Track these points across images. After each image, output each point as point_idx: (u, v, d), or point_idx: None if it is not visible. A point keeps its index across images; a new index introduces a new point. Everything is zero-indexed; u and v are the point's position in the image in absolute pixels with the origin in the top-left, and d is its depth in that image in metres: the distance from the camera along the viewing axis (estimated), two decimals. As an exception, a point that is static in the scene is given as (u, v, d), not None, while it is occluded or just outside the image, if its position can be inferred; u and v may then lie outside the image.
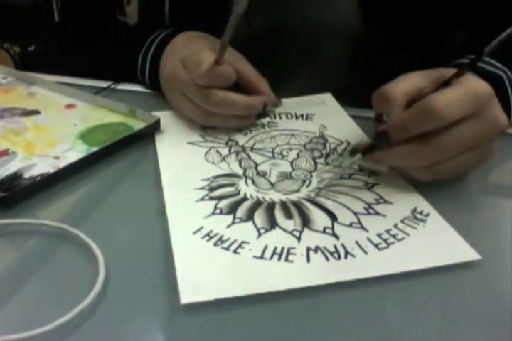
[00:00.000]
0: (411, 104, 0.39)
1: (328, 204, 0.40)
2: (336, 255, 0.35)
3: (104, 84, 0.59)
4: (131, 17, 0.61)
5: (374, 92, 0.41)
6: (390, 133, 0.38)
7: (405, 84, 0.40)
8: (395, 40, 0.58)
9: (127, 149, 0.48)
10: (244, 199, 0.41)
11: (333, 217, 0.39)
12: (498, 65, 0.47)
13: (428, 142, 0.37)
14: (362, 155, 0.41)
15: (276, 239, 0.37)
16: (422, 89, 0.40)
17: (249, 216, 0.39)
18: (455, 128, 0.37)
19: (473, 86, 0.37)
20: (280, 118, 0.53)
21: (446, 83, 0.38)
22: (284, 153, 0.47)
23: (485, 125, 0.38)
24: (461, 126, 0.37)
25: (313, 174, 0.44)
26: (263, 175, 0.44)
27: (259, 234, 0.37)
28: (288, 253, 0.35)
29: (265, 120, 0.52)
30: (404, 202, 0.40)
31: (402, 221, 0.38)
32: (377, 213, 0.39)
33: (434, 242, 0.36)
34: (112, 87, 0.59)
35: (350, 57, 0.63)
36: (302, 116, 0.53)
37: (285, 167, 0.45)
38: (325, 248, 0.36)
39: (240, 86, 0.49)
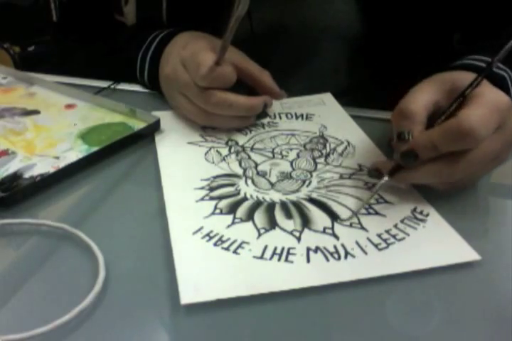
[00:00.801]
0: (430, 120, 0.39)
1: (328, 204, 0.40)
2: (335, 255, 0.35)
3: (104, 84, 0.59)
4: (128, 17, 0.61)
5: (393, 111, 0.40)
6: (417, 152, 0.37)
7: (422, 100, 0.39)
8: (394, 40, 0.58)
9: (127, 149, 0.48)
10: (245, 199, 0.41)
11: (333, 217, 0.39)
12: (500, 65, 0.47)
13: (457, 160, 0.37)
14: (389, 177, 0.39)
15: (276, 239, 0.36)
16: (438, 102, 0.39)
17: (249, 216, 0.39)
18: (483, 144, 0.37)
19: (495, 100, 0.37)
20: (280, 118, 0.53)
21: (462, 95, 0.38)
22: (284, 153, 0.47)
23: (508, 136, 0.38)
24: (487, 141, 0.37)
25: (313, 174, 0.44)
26: (263, 175, 0.44)
27: (259, 234, 0.37)
28: (288, 253, 0.35)
29: (265, 120, 0.52)
30: (404, 202, 0.40)
31: (402, 221, 0.38)
32: (377, 213, 0.39)
33: (434, 242, 0.36)
34: (112, 87, 0.59)
35: (350, 58, 0.63)
36: (302, 116, 0.53)
37: (285, 167, 0.45)
38: (325, 248, 0.36)
39: (242, 81, 0.49)
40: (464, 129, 0.35)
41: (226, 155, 0.47)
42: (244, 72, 0.49)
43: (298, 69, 0.63)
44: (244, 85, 0.50)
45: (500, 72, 0.47)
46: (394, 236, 0.37)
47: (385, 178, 0.39)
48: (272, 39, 0.61)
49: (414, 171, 0.38)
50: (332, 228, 0.38)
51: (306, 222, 0.38)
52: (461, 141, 0.36)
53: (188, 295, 0.32)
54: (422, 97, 0.39)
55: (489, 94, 0.38)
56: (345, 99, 0.56)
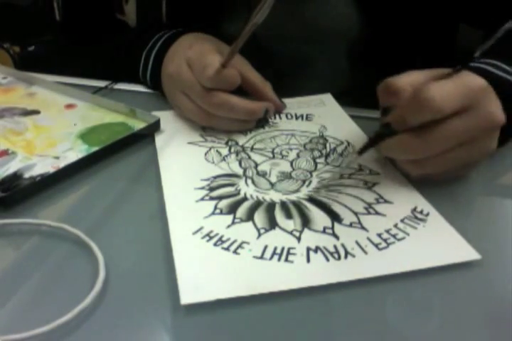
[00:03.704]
0: None
1: (328, 204, 0.40)
2: (336, 255, 0.35)
3: (104, 84, 0.59)
4: (130, 15, 0.61)
5: (379, 85, 0.40)
6: (392, 125, 0.38)
7: (410, 78, 0.39)
8: (394, 41, 0.58)
9: (127, 149, 0.48)
10: (245, 199, 0.41)
11: (333, 217, 0.39)
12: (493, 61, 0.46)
13: (419, 135, 0.37)
14: (361, 150, 0.40)
15: (276, 239, 0.36)
16: (426, 83, 0.39)
17: (249, 216, 0.39)
18: (447, 122, 0.36)
19: (466, 79, 0.37)
20: (280, 118, 0.53)
21: (443, 77, 0.38)
22: (284, 153, 0.47)
23: (478, 120, 0.36)
24: (453, 119, 0.36)
25: (313, 174, 0.44)
26: (263, 175, 0.44)
27: (259, 234, 0.37)
28: (288, 253, 0.35)
29: None
30: (404, 202, 0.40)
31: (402, 220, 0.38)
32: (377, 213, 0.39)
33: (435, 242, 0.36)
34: (111, 86, 0.59)
35: (350, 58, 0.63)
36: (302, 116, 0.53)
37: (285, 167, 0.45)
38: (325, 248, 0.36)
39: (243, 90, 0.49)
40: (423, 98, 0.35)
41: (226, 155, 0.47)
42: (246, 80, 0.49)
43: (298, 69, 0.63)
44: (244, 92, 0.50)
45: (487, 68, 0.45)
46: (394, 236, 0.37)
47: (358, 150, 0.41)
48: (273, 39, 0.61)
49: (386, 142, 0.39)
50: (332, 228, 0.38)
51: (306, 221, 0.38)
52: (420, 111, 0.36)
53: (188, 295, 0.32)
54: (409, 77, 0.39)
55: (464, 75, 0.37)
56: (346, 99, 0.56)
